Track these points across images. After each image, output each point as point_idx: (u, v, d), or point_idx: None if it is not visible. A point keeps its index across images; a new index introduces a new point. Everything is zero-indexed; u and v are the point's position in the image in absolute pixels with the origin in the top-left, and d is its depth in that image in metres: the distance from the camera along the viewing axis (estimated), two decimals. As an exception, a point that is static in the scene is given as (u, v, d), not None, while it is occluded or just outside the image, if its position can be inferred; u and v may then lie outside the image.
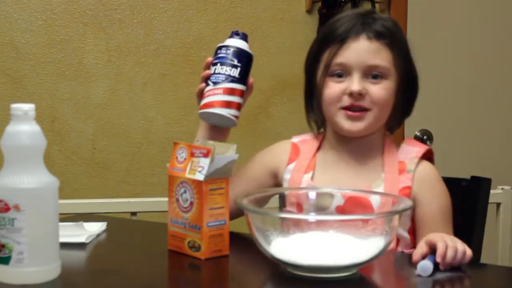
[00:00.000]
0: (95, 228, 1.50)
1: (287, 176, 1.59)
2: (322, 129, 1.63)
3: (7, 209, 1.12)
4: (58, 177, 1.19)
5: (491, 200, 1.76)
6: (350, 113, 1.51)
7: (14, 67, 2.64)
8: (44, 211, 1.15)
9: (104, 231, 1.50)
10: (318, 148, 1.62)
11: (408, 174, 1.52)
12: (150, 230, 1.59)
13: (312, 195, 1.41)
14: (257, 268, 1.30)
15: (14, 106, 1.14)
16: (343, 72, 1.51)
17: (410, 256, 1.39)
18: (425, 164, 1.56)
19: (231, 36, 1.53)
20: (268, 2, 2.79)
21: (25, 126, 1.14)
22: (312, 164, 1.59)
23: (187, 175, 1.31)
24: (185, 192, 1.32)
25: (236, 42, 1.52)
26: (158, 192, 2.65)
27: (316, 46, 1.58)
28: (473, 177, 1.66)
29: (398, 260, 1.37)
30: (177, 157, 1.35)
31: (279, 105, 2.83)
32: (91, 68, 2.69)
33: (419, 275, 1.20)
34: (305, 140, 1.64)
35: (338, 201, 1.44)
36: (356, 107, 1.50)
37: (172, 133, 2.74)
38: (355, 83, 1.49)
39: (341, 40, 1.50)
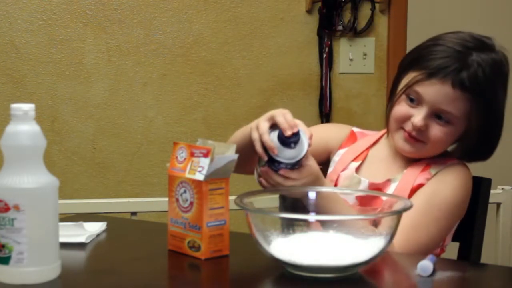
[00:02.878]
0: (95, 228, 1.49)
1: (336, 158, 1.65)
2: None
3: (7, 209, 1.12)
4: (58, 177, 1.18)
5: (491, 200, 1.76)
6: (407, 136, 1.54)
7: (14, 67, 2.64)
8: (44, 211, 1.15)
9: (104, 231, 1.50)
10: (374, 143, 1.66)
11: (428, 174, 1.55)
12: (150, 230, 1.59)
13: (312, 195, 1.41)
14: (257, 268, 1.30)
15: (14, 106, 1.14)
16: (417, 100, 1.52)
17: (410, 256, 1.39)
18: (456, 165, 1.57)
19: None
20: (268, 2, 2.78)
21: (25, 126, 1.14)
22: (363, 156, 1.63)
23: (187, 175, 1.31)
24: (185, 192, 1.32)
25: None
26: (158, 192, 2.65)
27: (410, 57, 1.59)
28: (473, 177, 1.66)
29: (398, 260, 1.37)
30: (177, 157, 1.35)
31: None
32: (91, 68, 2.69)
33: (419, 275, 1.20)
34: (364, 133, 1.69)
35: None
36: (413, 136, 1.53)
37: (172, 133, 2.74)
38: (419, 118, 1.51)
39: (429, 74, 1.50)
